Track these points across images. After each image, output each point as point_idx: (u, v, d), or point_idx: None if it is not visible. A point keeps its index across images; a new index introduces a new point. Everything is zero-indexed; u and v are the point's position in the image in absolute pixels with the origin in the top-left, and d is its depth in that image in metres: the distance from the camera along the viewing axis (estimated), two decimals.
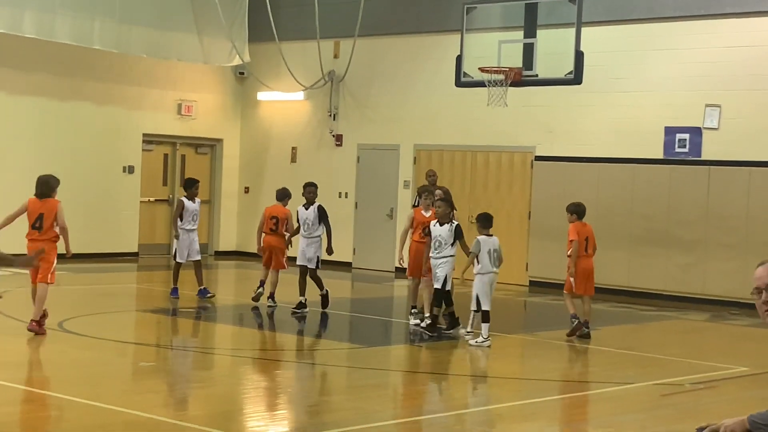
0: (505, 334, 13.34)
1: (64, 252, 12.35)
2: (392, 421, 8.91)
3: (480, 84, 16.31)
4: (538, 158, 19.75)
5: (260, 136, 24.05)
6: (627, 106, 18.64)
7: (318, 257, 14.94)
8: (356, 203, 22.39)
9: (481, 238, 12.74)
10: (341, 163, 22.56)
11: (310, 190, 15.15)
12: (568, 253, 13.67)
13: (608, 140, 18.89)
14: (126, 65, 22.10)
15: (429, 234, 13.20)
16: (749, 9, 17.53)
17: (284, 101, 23.44)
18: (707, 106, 17.87)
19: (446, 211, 12.99)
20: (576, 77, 15.62)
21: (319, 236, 14.97)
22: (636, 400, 9.99)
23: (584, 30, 15.69)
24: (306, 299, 14.90)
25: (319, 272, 15.00)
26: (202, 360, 11.83)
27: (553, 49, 15.94)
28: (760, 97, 17.38)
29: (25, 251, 11.77)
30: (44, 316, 12.08)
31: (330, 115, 22.74)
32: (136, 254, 22.52)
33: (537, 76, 16.03)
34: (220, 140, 24.18)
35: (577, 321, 13.39)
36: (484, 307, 12.58)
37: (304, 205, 15.15)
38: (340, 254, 21.79)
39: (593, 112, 19.03)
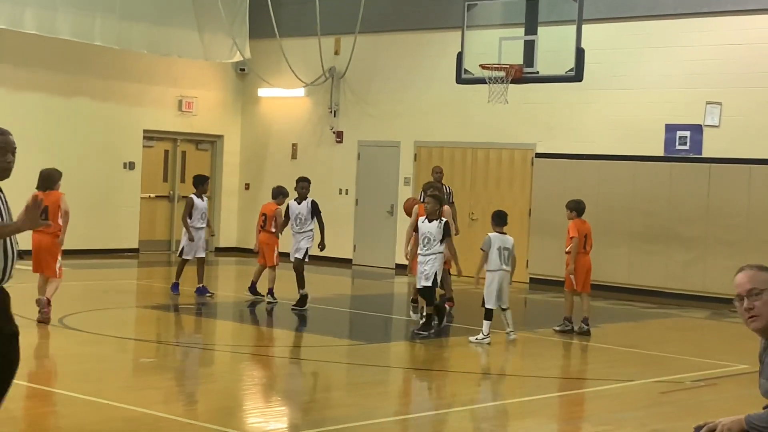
0: (504, 330, 13.33)
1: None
2: (392, 417, 8.91)
3: (481, 81, 16.29)
4: (539, 155, 19.75)
5: (261, 133, 24.05)
6: (628, 104, 18.63)
7: (307, 249, 14.90)
8: (357, 200, 22.39)
9: (492, 235, 12.76)
10: (342, 159, 22.56)
11: (303, 185, 15.14)
12: (567, 249, 13.71)
13: (609, 137, 18.89)
14: (127, 61, 22.10)
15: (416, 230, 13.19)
16: (750, 6, 17.52)
17: (285, 98, 23.44)
18: (708, 103, 17.86)
19: (435, 207, 12.99)
20: (577, 74, 15.60)
21: (311, 231, 14.96)
22: (636, 397, 9.99)
23: (585, 27, 15.68)
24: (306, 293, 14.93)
25: (319, 273, 14.99)
26: (202, 356, 11.83)
27: (554, 46, 15.93)
28: (761, 94, 17.38)
29: (30, 244, 11.93)
30: (48, 304, 12.36)
31: (330, 112, 22.73)
32: (136, 250, 22.53)
33: (538, 73, 16.02)
34: (220, 137, 24.18)
35: (570, 326, 13.59)
36: (489, 305, 12.59)
37: (296, 200, 15.13)
38: (341, 251, 21.84)
39: (594, 109, 19.03)
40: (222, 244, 23.97)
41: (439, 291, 13.53)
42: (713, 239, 17.80)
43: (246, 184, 24.24)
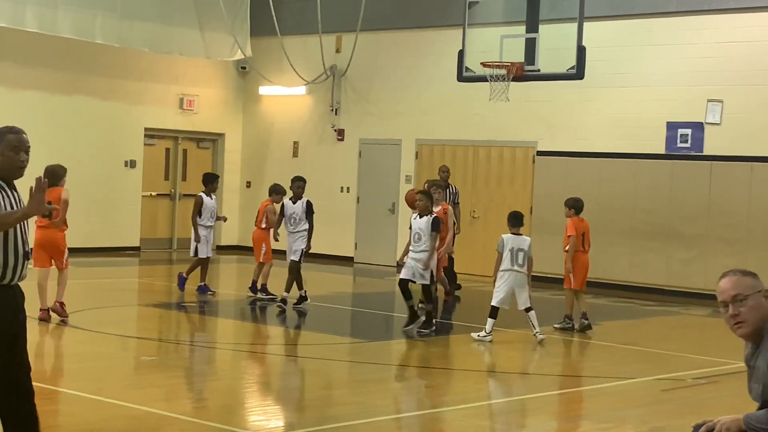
0: (507, 328, 13.35)
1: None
2: (393, 415, 8.93)
3: (482, 79, 16.30)
4: (540, 153, 19.75)
5: (262, 131, 24.05)
6: (629, 101, 18.63)
7: (302, 250, 14.88)
8: (358, 198, 22.39)
9: (506, 236, 12.78)
10: (343, 157, 22.56)
11: (299, 185, 15.10)
12: (566, 248, 13.72)
13: (610, 135, 18.89)
14: (128, 60, 22.10)
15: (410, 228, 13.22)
16: (752, 4, 17.51)
17: (286, 96, 23.44)
18: (709, 101, 17.86)
19: (426, 204, 13.02)
20: (578, 72, 15.61)
21: (305, 230, 14.93)
22: (637, 394, 10.00)
23: (586, 25, 15.68)
24: (306, 291, 14.92)
25: (320, 271, 14.99)
26: (203, 354, 11.85)
27: (555, 44, 15.94)
28: (763, 92, 17.37)
29: (32, 243, 12.00)
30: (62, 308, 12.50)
31: (332, 110, 22.74)
32: (137, 248, 22.54)
33: (539, 71, 16.02)
34: (221, 135, 24.19)
35: (571, 324, 13.63)
36: (493, 302, 12.61)
37: (291, 199, 15.11)
38: (342, 249, 21.86)
39: (595, 107, 19.03)
40: (223, 242, 23.96)
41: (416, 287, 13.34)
42: (714, 237, 17.80)
43: (247, 182, 24.25)
